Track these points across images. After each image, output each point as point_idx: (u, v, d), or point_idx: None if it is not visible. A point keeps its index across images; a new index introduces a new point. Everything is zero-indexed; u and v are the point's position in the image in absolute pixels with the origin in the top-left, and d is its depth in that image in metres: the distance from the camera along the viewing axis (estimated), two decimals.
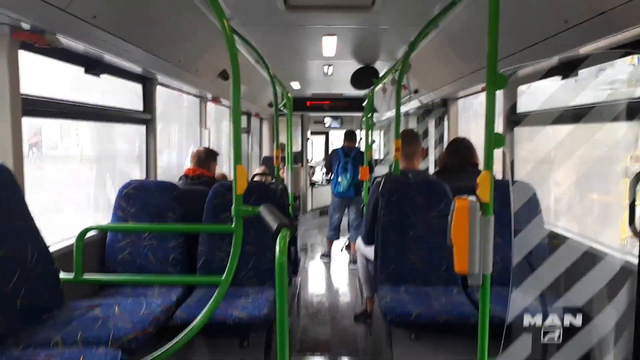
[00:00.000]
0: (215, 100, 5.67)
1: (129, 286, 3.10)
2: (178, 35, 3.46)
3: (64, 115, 3.14)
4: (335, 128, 12.01)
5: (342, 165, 6.86)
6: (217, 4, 2.22)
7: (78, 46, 2.69)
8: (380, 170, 6.74)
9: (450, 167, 3.64)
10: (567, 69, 2.73)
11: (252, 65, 5.26)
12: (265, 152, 9.36)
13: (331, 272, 6.65)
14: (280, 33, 4.36)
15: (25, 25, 2.18)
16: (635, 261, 1.92)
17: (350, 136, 7.18)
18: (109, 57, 3.07)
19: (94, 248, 3.17)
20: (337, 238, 7.14)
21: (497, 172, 3.67)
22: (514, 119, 3.61)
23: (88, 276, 2.71)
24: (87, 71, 3.07)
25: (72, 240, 2.73)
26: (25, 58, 2.44)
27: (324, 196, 10.99)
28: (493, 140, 1.75)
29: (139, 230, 3.26)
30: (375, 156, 10.70)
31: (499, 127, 3.62)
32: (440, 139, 5.82)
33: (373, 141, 6.65)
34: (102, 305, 2.43)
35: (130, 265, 3.20)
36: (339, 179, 6.87)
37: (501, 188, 2.15)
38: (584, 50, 2.36)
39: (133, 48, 2.94)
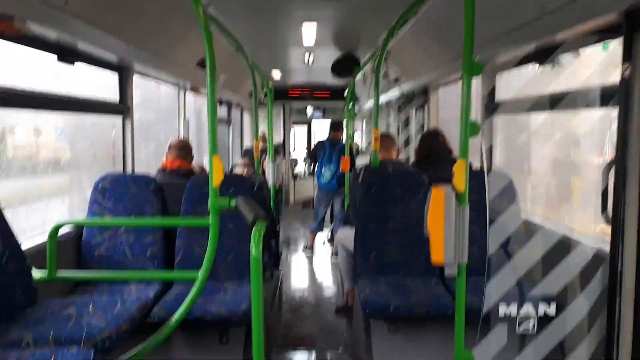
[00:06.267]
0: (194, 89, 5.57)
1: (106, 283, 3.04)
2: (155, 23, 3.36)
3: (36, 105, 3.05)
4: (317, 118, 11.92)
5: (327, 156, 6.73)
6: None
7: (51, 34, 2.60)
8: (362, 161, 6.72)
9: (427, 157, 3.63)
10: (543, 55, 2.72)
11: (233, 53, 5.19)
12: (247, 144, 9.27)
13: (314, 265, 6.61)
14: (260, 20, 4.29)
15: None
16: (607, 248, 1.93)
17: (336, 127, 6.87)
18: (83, 45, 2.97)
19: (69, 245, 3.10)
20: (321, 230, 7.10)
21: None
22: (492, 106, 3.60)
23: (62, 274, 2.65)
24: (60, 59, 2.98)
25: (46, 237, 2.66)
26: None
27: (306, 189, 10.90)
28: (468, 128, 1.74)
29: (114, 225, 3.19)
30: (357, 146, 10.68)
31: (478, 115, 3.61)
32: (421, 128, 5.81)
33: (355, 130, 6.60)
34: (75, 303, 2.37)
35: (107, 262, 3.12)
36: (323, 170, 6.76)
37: (479, 177, 2.14)
38: (560, 36, 2.35)
39: (108, 36, 2.84)
